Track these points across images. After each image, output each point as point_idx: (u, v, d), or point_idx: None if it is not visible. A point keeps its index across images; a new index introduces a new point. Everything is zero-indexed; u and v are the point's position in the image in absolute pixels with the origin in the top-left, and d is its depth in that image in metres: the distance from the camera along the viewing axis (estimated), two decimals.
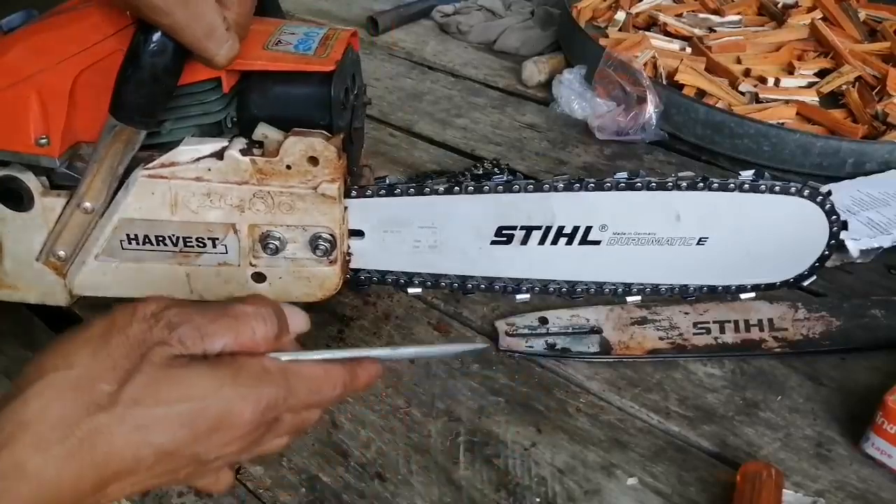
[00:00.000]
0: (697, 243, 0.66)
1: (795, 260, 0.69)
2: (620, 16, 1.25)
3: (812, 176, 0.91)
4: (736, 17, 1.23)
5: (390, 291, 0.75)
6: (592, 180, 0.64)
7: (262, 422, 0.40)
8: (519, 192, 0.64)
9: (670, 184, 0.64)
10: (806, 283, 0.70)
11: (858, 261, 0.77)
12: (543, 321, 0.69)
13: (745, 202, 0.65)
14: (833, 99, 1.05)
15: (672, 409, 0.62)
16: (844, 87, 1.05)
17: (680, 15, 1.24)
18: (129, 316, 0.39)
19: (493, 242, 0.66)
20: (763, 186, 0.64)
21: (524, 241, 0.66)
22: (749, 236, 0.66)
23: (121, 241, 0.60)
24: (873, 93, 1.03)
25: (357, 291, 0.73)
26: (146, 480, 0.39)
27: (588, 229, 0.65)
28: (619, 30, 1.22)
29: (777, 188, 0.64)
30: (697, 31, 1.18)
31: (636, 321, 0.69)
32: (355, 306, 0.73)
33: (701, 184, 0.64)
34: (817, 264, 0.68)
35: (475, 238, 0.66)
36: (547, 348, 0.67)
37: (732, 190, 0.64)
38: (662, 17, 1.21)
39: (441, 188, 0.63)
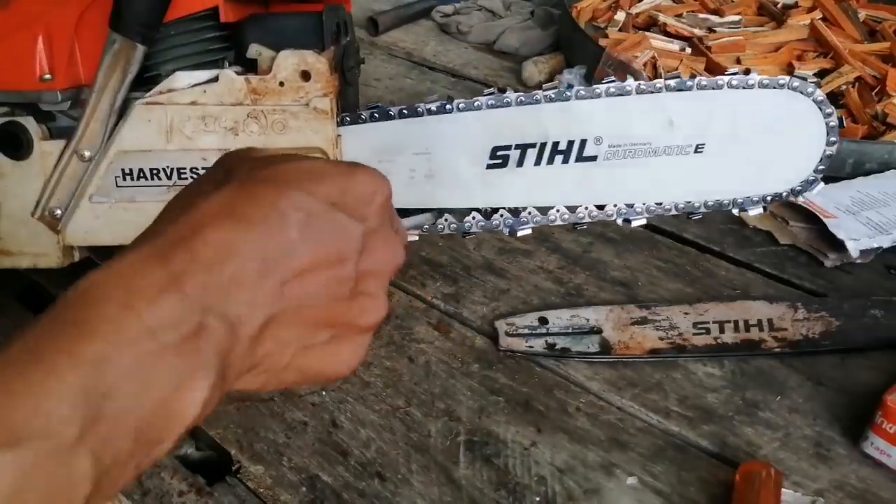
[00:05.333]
0: (695, 151, 0.65)
1: (798, 163, 0.67)
2: (620, 16, 1.25)
3: None
4: (736, 18, 1.23)
5: (390, 291, 0.74)
6: (582, 88, 0.63)
7: (388, 201, 0.36)
8: (510, 106, 0.63)
9: (659, 85, 0.63)
10: (814, 191, 0.67)
11: (858, 261, 0.77)
12: (543, 321, 0.69)
13: (734, 100, 0.64)
14: (833, 99, 1.05)
15: (672, 408, 0.62)
16: (844, 87, 1.05)
17: (680, 15, 1.24)
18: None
19: (490, 166, 0.65)
20: (751, 81, 0.63)
21: (520, 163, 0.64)
22: (745, 138, 0.65)
23: (115, 177, 0.61)
24: (873, 93, 1.03)
25: None
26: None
27: (583, 143, 0.64)
28: (619, 30, 1.22)
29: (766, 83, 0.63)
30: (697, 32, 1.18)
31: (636, 321, 0.69)
32: None
33: (689, 82, 0.63)
34: (821, 166, 0.66)
35: (471, 163, 0.65)
36: (547, 348, 0.67)
37: (721, 87, 0.63)
38: (662, 18, 1.21)
39: (433, 107, 0.63)
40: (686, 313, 0.70)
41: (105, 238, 0.64)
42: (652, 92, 0.63)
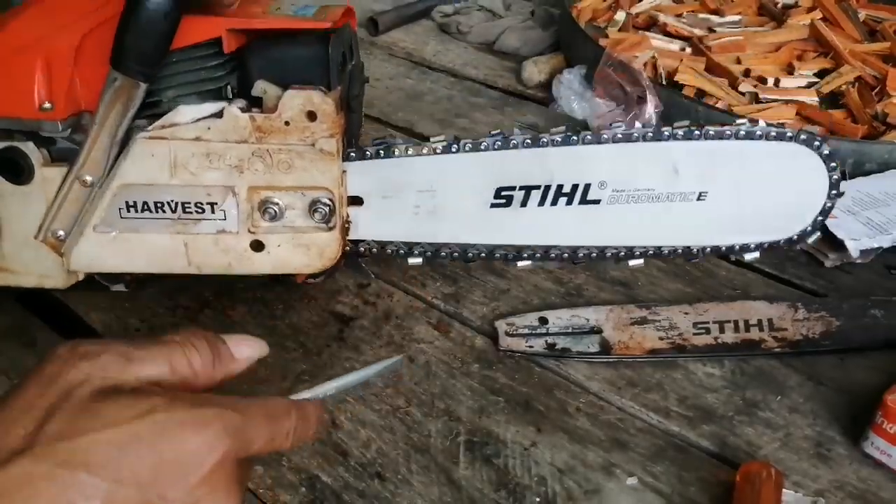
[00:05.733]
0: (698, 199, 0.65)
1: (798, 214, 0.68)
2: (620, 16, 1.25)
3: None
4: (736, 18, 1.23)
5: (390, 291, 0.75)
6: (589, 133, 0.63)
7: (227, 456, 0.33)
8: (517, 148, 0.63)
9: (666, 133, 0.63)
10: (810, 241, 0.68)
11: (858, 261, 0.77)
12: (543, 321, 0.69)
13: (741, 151, 0.64)
14: (833, 99, 1.05)
15: (672, 408, 0.62)
16: (844, 87, 1.05)
17: (680, 15, 1.24)
18: (46, 357, 0.34)
19: (493, 206, 0.65)
20: (758, 133, 0.63)
21: (524, 203, 0.65)
22: (748, 189, 0.65)
23: (119, 208, 0.61)
24: (873, 93, 1.03)
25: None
26: None
27: (587, 187, 0.64)
28: (619, 30, 1.22)
29: (773, 134, 0.63)
30: (697, 32, 1.18)
31: (636, 321, 0.69)
32: (355, 306, 0.73)
33: (697, 132, 0.63)
34: (820, 218, 0.67)
35: (474, 202, 0.65)
36: (547, 348, 0.67)
37: (728, 137, 0.63)
38: (662, 18, 1.21)
39: (439, 147, 0.63)
40: (686, 313, 0.70)
41: (110, 266, 0.63)
42: (658, 139, 0.63)
